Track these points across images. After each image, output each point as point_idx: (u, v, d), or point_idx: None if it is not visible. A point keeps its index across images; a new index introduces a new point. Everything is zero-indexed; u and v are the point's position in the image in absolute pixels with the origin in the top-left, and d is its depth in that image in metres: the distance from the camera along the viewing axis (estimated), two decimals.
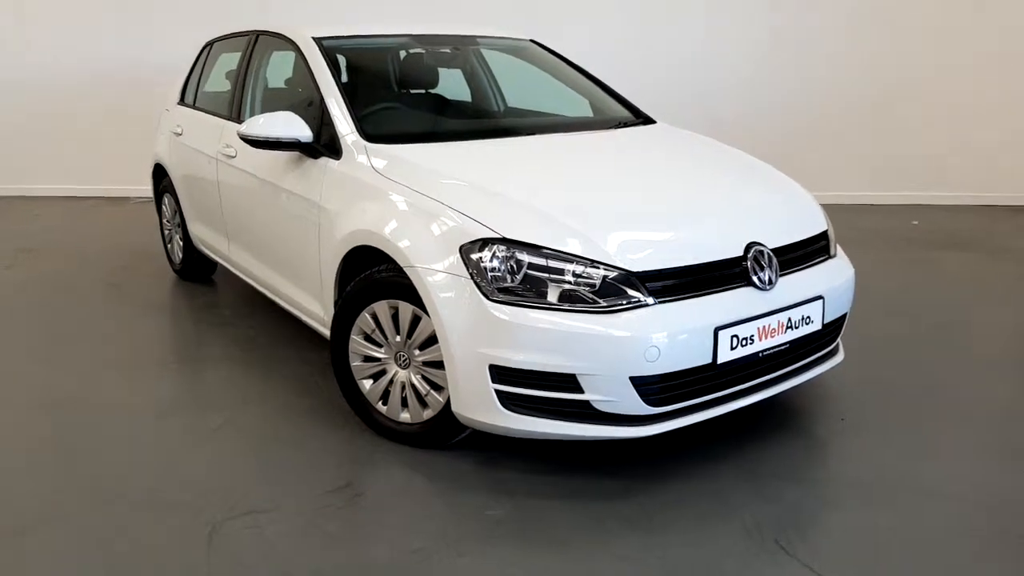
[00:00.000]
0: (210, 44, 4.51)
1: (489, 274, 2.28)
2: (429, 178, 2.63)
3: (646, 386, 2.25)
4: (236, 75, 3.95)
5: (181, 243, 4.57)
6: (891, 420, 2.83)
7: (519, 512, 2.27)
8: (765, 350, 2.43)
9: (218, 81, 4.39)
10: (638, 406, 2.26)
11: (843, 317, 2.79)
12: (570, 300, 2.25)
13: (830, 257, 2.79)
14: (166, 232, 4.84)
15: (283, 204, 3.17)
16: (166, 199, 4.71)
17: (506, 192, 2.52)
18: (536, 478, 2.44)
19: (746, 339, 2.37)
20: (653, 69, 6.75)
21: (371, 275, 2.61)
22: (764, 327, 2.41)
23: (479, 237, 2.33)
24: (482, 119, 3.87)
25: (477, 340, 2.28)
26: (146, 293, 4.42)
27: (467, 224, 2.37)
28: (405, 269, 2.45)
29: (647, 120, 3.63)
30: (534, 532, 2.18)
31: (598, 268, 2.26)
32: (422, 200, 2.52)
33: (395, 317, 2.57)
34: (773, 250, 2.50)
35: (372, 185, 2.71)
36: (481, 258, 2.30)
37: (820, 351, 2.73)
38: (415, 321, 2.52)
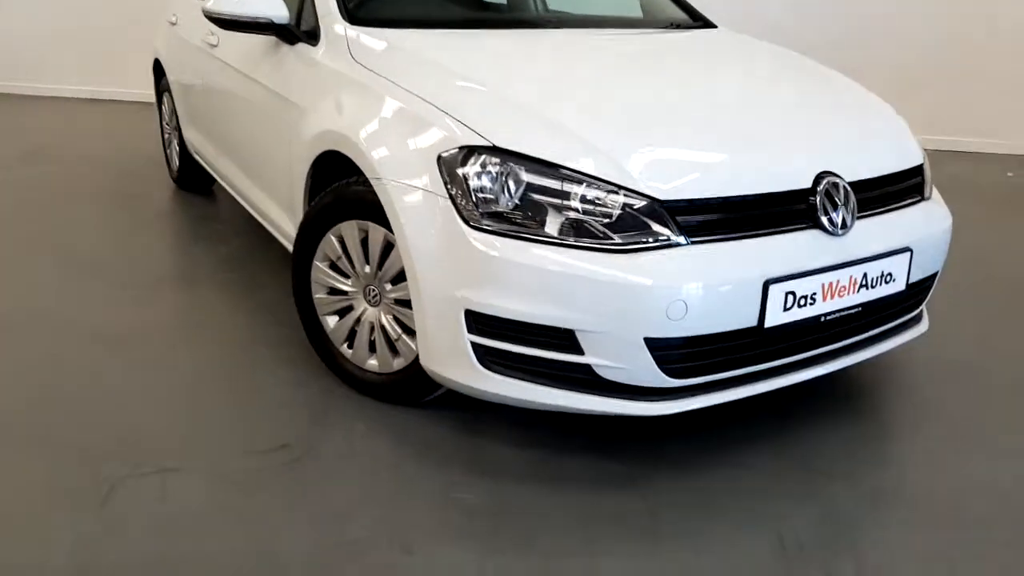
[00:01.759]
0: None
1: (476, 194, 1.76)
2: (416, 70, 2.09)
3: (666, 351, 1.72)
4: None
5: (178, 148, 4.15)
6: (977, 413, 2.25)
7: (494, 499, 1.80)
8: (829, 313, 1.86)
9: None
10: (655, 376, 1.74)
11: (932, 277, 2.19)
12: (576, 233, 1.71)
13: (923, 200, 2.17)
14: (165, 136, 4.42)
15: (256, 100, 2.67)
16: (165, 99, 4.27)
17: (511, 93, 1.96)
18: (522, 455, 1.96)
19: (806, 298, 1.80)
20: None
21: (339, 188, 2.11)
22: (831, 283, 1.84)
23: (464, 144, 1.79)
24: (501, 10, 3.26)
25: (451, 278, 1.77)
26: (139, 202, 4.03)
27: (452, 128, 1.84)
28: (372, 182, 1.94)
29: (707, 24, 2.99)
30: (507, 528, 1.70)
31: (617, 194, 1.71)
32: (403, 95, 1.99)
33: (365, 242, 2.07)
34: (851, 184, 1.91)
35: (347, 76, 2.18)
36: (467, 173, 1.77)
37: (900, 317, 2.14)
38: (387, 249, 2.02)
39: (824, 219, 1.84)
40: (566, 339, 1.72)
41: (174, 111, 4.05)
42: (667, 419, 2.02)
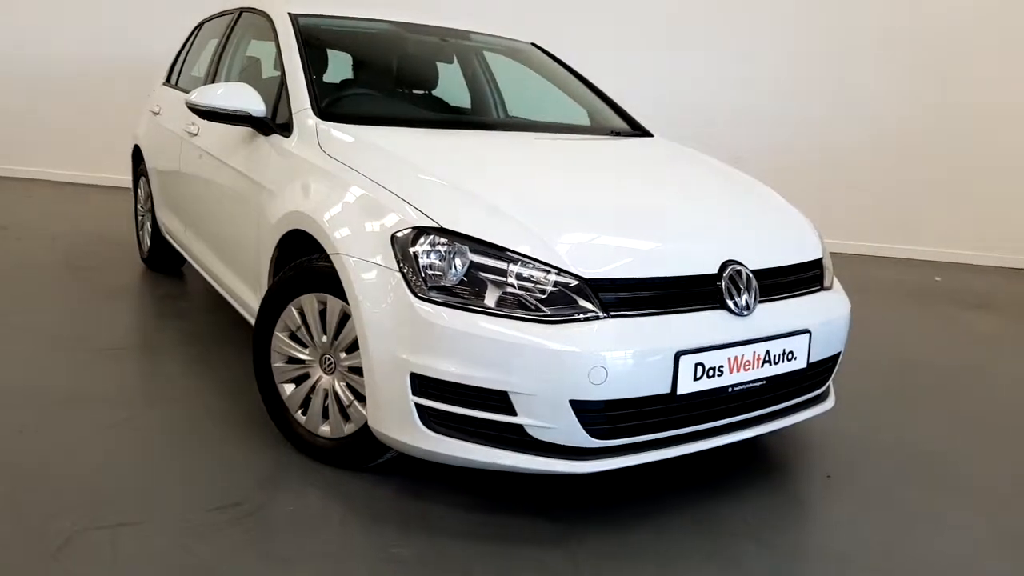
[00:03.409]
0: (201, 24, 4.32)
1: (425, 270, 1.98)
2: (378, 161, 2.35)
3: (590, 413, 1.92)
4: (215, 52, 3.73)
5: (150, 230, 4.35)
6: (883, 485, 2.46)
7: (429, 552, 1.93)
8: (736, 385, 2.09)
9: (207, 62, 4.19)
10: (579, 436, 1.93)
11: (835, 358, 2.44)
12: (512, 306, 1.93)
13: (823, 289, 2.46)
14: (139, 219, 4.62)
15: (229, 184, 2.91)
16: (141, 183, 4.50)
17: (457, 182, 2.23)
18: (461, 514, 2.11)
19: (714, 369, 2.03)
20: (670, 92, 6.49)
21: (302, 263, 2.32)
22: (736, 358, 2.07)
23: (416, 225, 2.03)
24: (463, 112, 3.59)
25: (399, 343, 1.97)
26: (107, 279, 4.18)
27: (407, 211, 2.08)
28: (332, 258, 2.15)
29: (644, 133, 3.34)
30: None
31: (548, 272, 1.95)
32: (365, 183, 2.24)
33: (323, 314, 2.27)
34: (754, 272, 2.18)
35: (315, 164, 2.43)
36: (417, 251, 2.00)
37: (806, 394, 2.38)
38: (343, 320, 2.22)
39: (729, 301, 2.10)
40: (501, 400, 1.91)
41: (149, 194, 4.27)
42: (596, 481, 2.20)
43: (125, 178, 4.89)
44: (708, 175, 2.79)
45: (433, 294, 1.96)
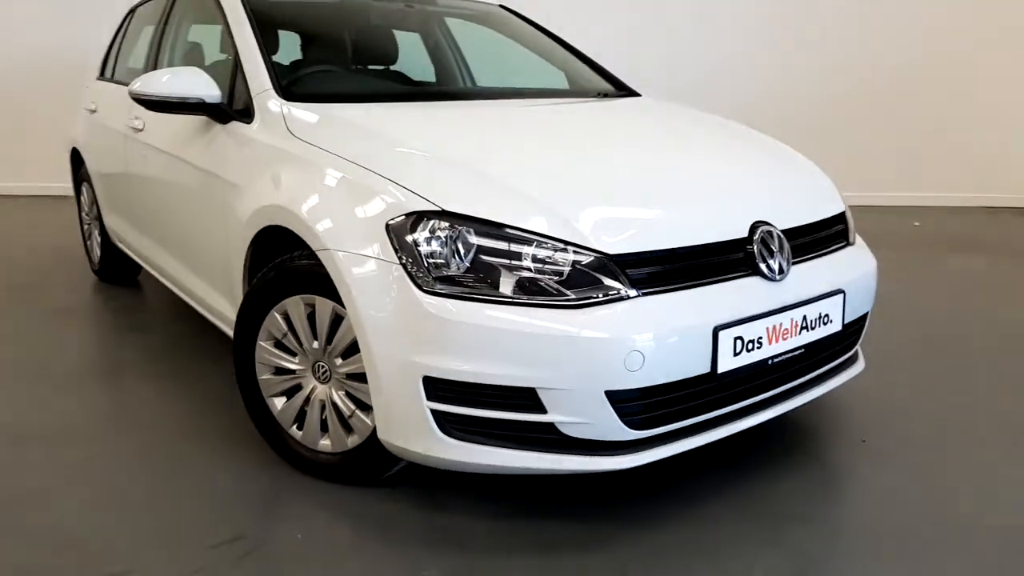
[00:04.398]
0: (132, 9, 3.97)
1: (427, 259, 1.76)
2: (356, 140, 2.10)
3: (627, 403, 1.73)
4: (152, 40, 3.41)
5: (99, 238, 4.01)
6: (920, 445, 2.33)
7: (464, 572, 1.73)
8: (776, 356, 1.92)
9: (143, 53, 3.85)
10: (617, 429, 1.74)
11: (864, 318, 2.29)
12: (529, 291, 1.73)
13: (849, 245, 2.30)
14: (85, 227, 4.28)
15: (186, 181, 2.63)
16: (84, 189, 4.16)
17: (452, 156, 2.00)
18: (488, 524, 1.91)
19: (753, 342, 1.86)
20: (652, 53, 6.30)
21: (282, 263, 2.08)
22: (775, 327, 1.90)
23: (413, 210, 1.80)
24: (432, 85, 3.34)
25: (407, 345, 1.75)
26: (56, 296, 3.85)
27: (398, 194, 1.85)
28: (319, 254, 1.91)
29: (631, 93, 3.14)
30: None
31: (567, 251, 1.74)
32: (345, 166, 1.99)
33: (312, 317, 2.03)
34: (783, 232, 2.00)
35: (285, 151, 2.18)
36: (416, 239, 1.77)
37: (838, 358, 2.23)
38: (336, 322, 1.98)
39: (763, 266, 1.92)
40: (528, 398, 1.71)
41: (94, 200, 3.94)
42: (624, 477, 2.02)
43: (65, 185, 4.52)
44: (713, 132, 2.60)
45: (440, 286, 1.74)
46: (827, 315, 2.03)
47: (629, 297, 1.74)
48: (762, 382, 1.95)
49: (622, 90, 3.14)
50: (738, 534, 1.87)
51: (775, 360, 1.92)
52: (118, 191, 3.49)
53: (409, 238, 1.78)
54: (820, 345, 2.05)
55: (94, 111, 3.79)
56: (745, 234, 1.93)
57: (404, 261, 1.77)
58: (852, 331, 2.22)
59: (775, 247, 1.95)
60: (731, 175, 2.20)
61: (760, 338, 1.87)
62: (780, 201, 2.11)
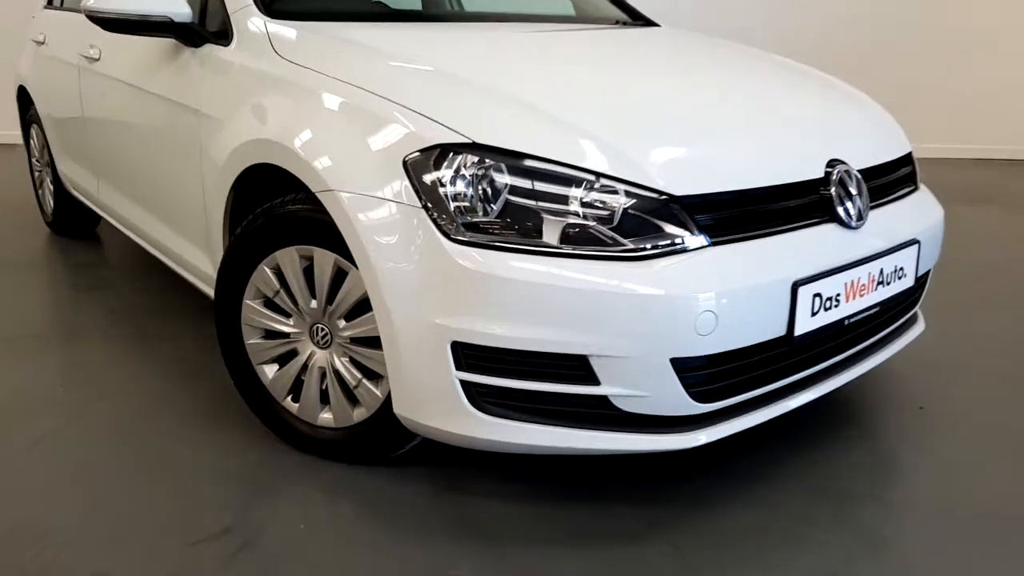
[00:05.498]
0: None
1: (454, 202, 1.46)
2: (357, 61, 1.78)
3: (693, 372, 1.47)
4: None
5: (52, 187, 3.61)
6: (983, 410, 2.12)
7: (497, 568, 1.48)
8: (852, 315, 1.67)
9: None
10: (682, 402, 1.48)
11: (927, 273, 2.05)
12: (579, 241, 1.44)
13: (916, 189, 2.04)
14: (36, 175, 3.87)
15: (152, 117, 2.28)
16: (34, 132, 3.74)
17: (475, 80, 1.69)
18: (516, 511, 1.65)
19: (831, 300, 1.60)
20: None
21: (272, 209, 1.76)
22: (853, 282, 1.65)
23: (436, 143, 1.49)
24: (426, 7, 2.98)
25: (432, 304, 1.46)
26: (6, 250, 3.46)
27: (416, 124, 1.53)
28: (320, 196, 1.60)
29: (648, 23, 2.82)
30: None
31: (625, 192, 1.45)
32: (345, 90, 1.67)
33: (309, 272, 1.73)
34: (861, 172, 1.74)
35: (272, 75, 1.84)
36: (441, 178, 1.47)
37: (900, 317, 1.99)
38: (339, 278, 1.68)
39: (841, 211, 1.65)
40: (578, 368, 1.44)
41: (45, 144, 3.53)
42: (663, 455, 1.77)
43: (14, 133, 4.08)
44: (763, 64, 2.28)
45: (471, 234, 1.44)
46: (902, 268, 1.78)
47: (699, 247, 1.46)
48: (834, 346, 1.70)
49: (637, 19, 2.82)
50: (806, 516, 1.64)
51: (850, 320, 1.67)
52: (72, 133, 3.10)
53: (431, 177, 1.48)
54: (893, 302, 1.80)
55: (42, 43, 3.36)
56: (820, 174, 1.66)
57: (426, 204, 1.47)
58: (919, 287, 1.98)
59: (854, 189, 1.68)
60: (795, 109, 1.91)
61: (838, 295, 1.61)
62: (852, 138, 1.84)
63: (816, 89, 2.11)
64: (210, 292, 2.12)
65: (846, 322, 1.66)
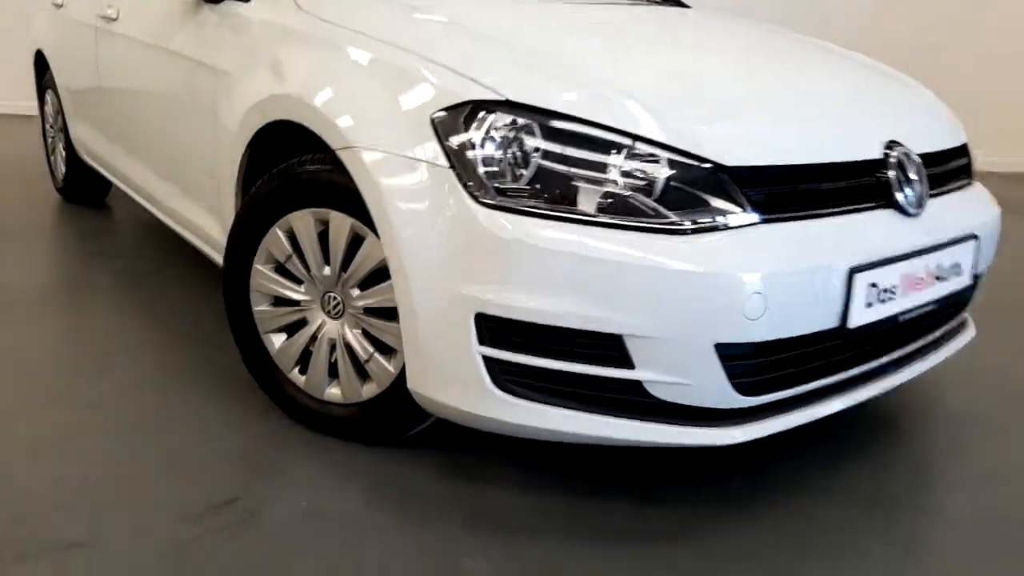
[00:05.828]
0: None
1: (483, 166, 1.34)
2: (385, 15, 1.68)
3: (739, 361, 1.35)
4: None
5: (64, 153, 3.53)
6: (1020, 418, 1.99)
7: (515, 562, 1.36)
8: (907, 312, 1.54)
9: None
10: (724, 394, 1.36)
11: (981, 275, 1.92)
12: (619, 211, 1.32)
13: (971, 182, 1.91)
14: (49, 141, 3.79)
15: (168, 75, 2.18)
16: (49, 98, 3.66)
17: (509, 37, 1.58)
18: (534, 502, 1.53)
19: (887, 291, 1.48)
20: None
21: (287, 169, 1.65)
22: (909, 274, 1.52)
23: (466, 100, 1.38)
24: None
25: (455, 272, 1.35)
26: (12, 217, 3.38)
27: (445, 80, 1.42)
28: (340, 155, 1.49)
29: (677, 3, 2.70)
30: None
31: (659, 162, 1.33)
32: (371, 44, 1.56)
33: (324, 236, 1.62)
34: (920, 157, 1.61)
35: (293, 29, 1.74)
36: (470, 139, 1.36)
37: (951, 320, 1.86)
38: (355, 244, 1.57)
39: (900, 196, 1.53)
40: (612, 348, 1.32)
41: (59, 110, 3.45)
42: (686, 452, 1.65)
43: (33, 103, 3.99)
44: (808, 45, 2.15)
45: (503, 199, 1.33)
46: (958, 264, 1.66)
47: (748, 224, 1.34)
48: (886, 344, 1.58)
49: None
50: (846, 526, 1.51)
51: (905, 317, 1.55)
52: (86, 95, 3.01)
53: (461, 137, 1.37)
54: (947, 301, 1.68)
55: (61, 5, 3.28)
56: (878, 155, 1.54)
57: (454, 165, 1.36)
58: (973, 287, 1.85)
59: (913, 174, 1.56)
60: (848, 88, 1.79)
61: (894, 287, 1.49)
62: (909, 120, 1.72)
63: (868, 71, 1.98)
64: (218, 258, 2.02)
65: (900, 319, 1.53)
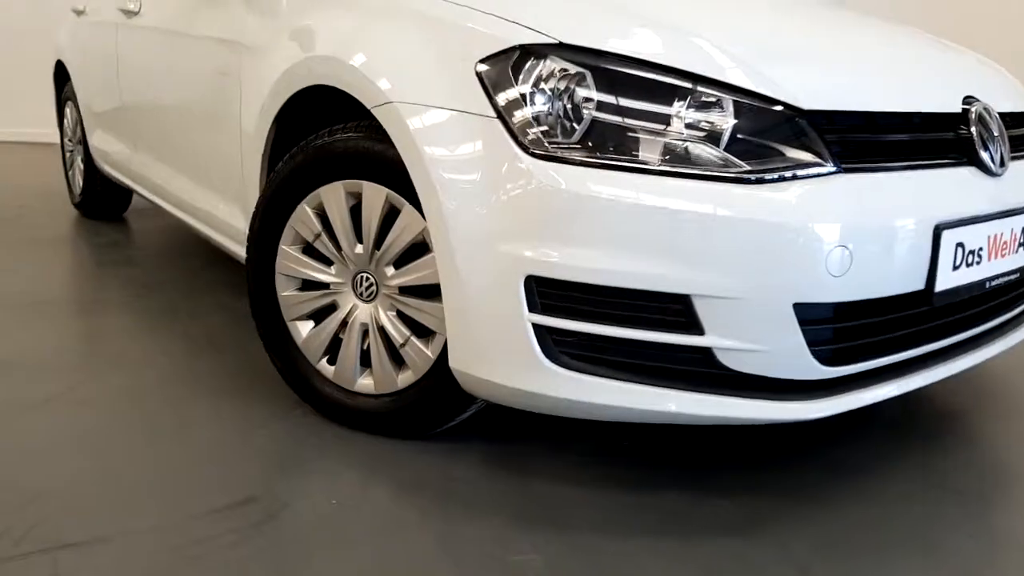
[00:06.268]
0: None
1: (537, 112, 1.23)
2: None
3: (818, 325, 1.21)
4: None
5: (82, 166, 3.48)
6: None
7: (570, 558, 1.22)
8: (993, 277, 1.41)
9: None
10: (803, 362, 1.22)
11: None
12: (684, 159, 1.20)
13: None
14: (67, 154, 3.74)
15: (191, 59, 2.10)
16: (68, 110, 3.62)
17: None
18: (588, 494, 1.39)
19: (973, 253, 1.35)
20: None
21: (318, 139, 1.55)
22: (996, 236, 1.39)
23: (515, 44, 1.28)
24: None
25: (503, 232, 1.23)
26: (33, 230, 3.32)
27: (491, 25, 1.32)
28: (376, 113, 1.39)
29: None
30: None
31: (727, 109, 1.21)
32: (411, 0, 1.47)
33: (356, 212, 1.51)
34: (1000, 115, 1.49)
35: None
36: (519, 91, 1.25)
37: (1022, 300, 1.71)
38: (390, 217, 1.46)
39: (984, 154, 1.40)
40: (678, 312, 1.19)
41: (79, 121, 3.40)
42: (762, 441, 1.51)
43: (50, 131, 3.96)
44: (871, 15, 2.04)
45: (556, 150, 1.22)
46: None
47: (828, 172, 1.22)
48: (973, 312, 1.44)
49: None
50: (929, 517, 1.36)
51: (992, 283, 1.41)
52: (106, 98, 2.95)
53: (509, 85, 1.26)
54: None
55: (82, 11, 3.25)
56: (957, 109, 1.42)
57: (502, 115, 1.25)
58: None
59: (995, 130, 1.43)
60: (921, 47, 1.67)
61: (981, 249, 1.36)
62: (985, 80, 1.60)
63: (934, 41, 1.86)
64: (240, 251, 1.91)
65: (987, 284, 1.40)
